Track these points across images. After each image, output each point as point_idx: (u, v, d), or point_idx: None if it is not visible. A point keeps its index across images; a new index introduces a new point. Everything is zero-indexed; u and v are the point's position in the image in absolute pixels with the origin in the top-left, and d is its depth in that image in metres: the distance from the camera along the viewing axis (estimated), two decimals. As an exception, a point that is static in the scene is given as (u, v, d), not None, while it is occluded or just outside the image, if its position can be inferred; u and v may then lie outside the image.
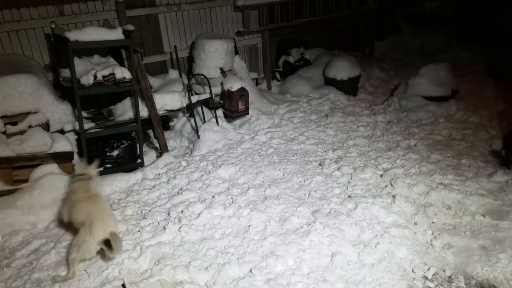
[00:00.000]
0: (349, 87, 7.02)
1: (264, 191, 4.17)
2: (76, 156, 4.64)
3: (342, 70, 7.04)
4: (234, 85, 5.78)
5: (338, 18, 8.61)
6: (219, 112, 5.89)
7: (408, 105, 6.02)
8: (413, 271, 3.02)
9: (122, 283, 2.54)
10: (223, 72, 6.12)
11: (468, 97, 6.33)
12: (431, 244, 3.28)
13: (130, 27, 4.56)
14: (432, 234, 3.38)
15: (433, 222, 3.53)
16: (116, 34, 4.46)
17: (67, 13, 5.48)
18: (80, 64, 4.59)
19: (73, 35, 4.25)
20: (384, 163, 4.53)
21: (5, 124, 4.30)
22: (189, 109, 5.61)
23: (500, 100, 6.18)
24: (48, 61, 5.46)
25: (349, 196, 3.92)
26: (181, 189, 4.28)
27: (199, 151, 5.19)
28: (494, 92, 6.49)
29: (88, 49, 4.89)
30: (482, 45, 8.72)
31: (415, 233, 3.38)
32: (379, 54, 9.23)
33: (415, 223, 3.52)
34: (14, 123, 4.37)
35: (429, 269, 3.00)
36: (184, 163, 4.87)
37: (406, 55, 9.11)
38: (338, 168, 4.49)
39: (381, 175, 4.25)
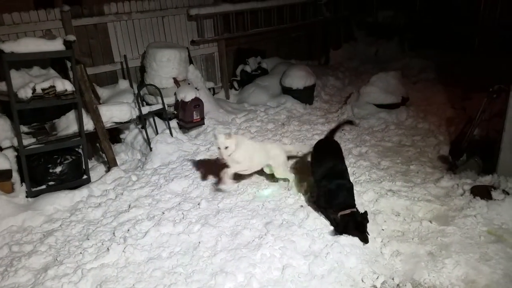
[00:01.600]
0: (305, 96, 7.07)
1: (217, 204, 4.07)
2: (15, 174, 4.34)
3: (298, 79, 7.09)
4: (188, 95, 5.67)
5: (293, 27, 8.70)
6: (173, 123, 5.75)
7: (360, 113, 6.13)
8: (362, 280, 3.00)
9: None
10: (176, 82, 5.99)
11: (418, 104, 6.54)
12: (381, 252, 3.29)
13: (71, 37, 4.36)
14: (382, 241, 3.39)
15: (382, 230, 3.56)
16: (56, 45, 4.24)
17: (7, 23, 5.18)
18: (17, 77, 4.33)
19: (8, 47, 4.01)
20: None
21: None
22: (141, 121, 5.42)
23: (448, 106, 6.44)
24: (-16, 73, 5.12)
25: (301, 206, 3.89)
26: (129, 206, 4.09)
27: (152, 164, 5.02)
28: (443, 98, 6.76)
29: (27, 61, 4.61)
30: (434, 52, 9.08)
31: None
32: (334, 63, 9.40)
33: (365, 231, 3.52)
34: None
35: (378, 277, 3.00)
36: (134, 178, 4.68)
37: (360, 63, 9.35)
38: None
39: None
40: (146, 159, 5.15)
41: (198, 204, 4.05)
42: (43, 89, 4.15)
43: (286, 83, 7.15)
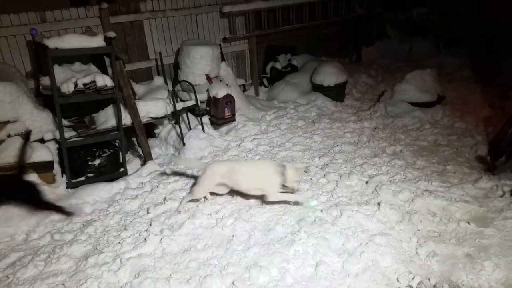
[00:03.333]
0: (336, 93, 7.01)
1: (249, 200, 4.10)
2: (57, 166, 4.53)
3: (329, 76, 7.03)
4: (220, 92, 5.73)
5: (325, 24, 8.62)
6: (205, 119, 5.83)
7: (394, 111, 6.02)
8: (398, 280, 2.97)
9: None
10: (209, 78, 6.07)
11: (454, 103, 6.36)
12: (416, 252, 3.24)
13: (111, 34, 4.50)
14: (417, 242, 3.34)
15: (418, 230, 3.50)
16: (97, 41, 4.39)
17: (49, 20, 5.40)
18: (60, 72, 4.51)
19: (53, 43, 4.18)
20: (369, 169, 4.51)
21: (-18, 134, 4.19)
22: (175, 116, 5.54)
23: (486, 106, 6.23)
24: (29, 68, 5.36)
25: (335, 204, 3.88)
26: (165, 198, 4.20)
27: (185, 158, 5.11)
28: (480, 97, 6.55)
29: (69, 57, 4.81)
30: (469, 51, 8.80)
31: (400, 241, 3.35)
32: (366, 60, 9.25)
33: (400, 231, 3.48)
34: (-9, 133, 4.26)
35: (414, 278, 2.96)
36: (168, 171, 4.79)
37: (393, 61, 9.16)
38: (324, 175, 4.45)
39: (366, 182, 4.22)
40: (179, 153, 5.25)
41: (231, 199, 4.11)
42: (84, 84, 4.31)
43: (317, 80, 7.11)
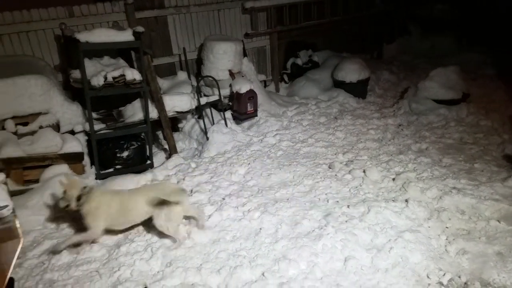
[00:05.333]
0: (358, 90, 6.98)
1: (274, 194, 4.14)
2: (86, 157, 4.64)
3: (351, 72, 6.99)
4: (243, 87, 5.77)
5: (346, 20, 8.58)
6: (228, 114, 5.88)
7: (418, 108, 5.97)
8: (428, 276, 2.97)
9: (144, 286, 2.50)
10: (231, 74, 6.11)
11: (479, 101, 6.27)
12: (446, 250, 3.23)
13: (140, 28, 4.56)
14: (446, 239, 3.33)
15: (446, 227, 3.48)
16: (126, 36, 4.46)
17: (77, 15, 5.50)
18: (90, 65, 4.60)
19: (84, 37, 4.26)
20: (395, 166, 4.49)
21: (16, 125, 4.30)
22: (198, 111, 5.59)
23: (511, 103, 6.12)
24: (57, 62, 5.47)
25: (362, 200, 3.88)
26: (191, 190, 4.26)
27: (208, 152, 5.17)
28: (505, 95, 6.45)
29: (98, 50, 4.89)
30: (492, 48, 8.65)
31: (429, 238, 3.34)
32: (387, 57, 9.18)
33: (429, 228, 3.47)
34: (25, 124, 4.38)
35: (444, 274, 2.96)
36: (193, 165, 4.85)
37: (415, 58, 9.07)
38: (349, 171, 4.45)
39: (393, 179, 4.21)
40: (203, 147, 5.31)
41: (256, 192, 4.15)
42: (114, 78, 4.39)
43: (339, 76, 7.08)
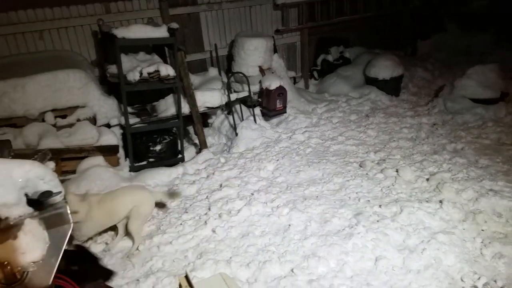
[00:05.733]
0: (391, 87, 6.83)
1: (303, 191, 4.13)
2: (121, 150, 4.78)
3: (384, 69, 6.86)
4: (272, 84, 5.77)
5: (380, 16, 8.40)
6: (257, 110, 5.90)
7: (454, 107, 5.78)
8: (462, 279, 2.89)
9: (185, 275, 2.57)
10: (261, 70, 6.12)
11: (519, 100, 6.00)
12: (481, 253, 3.13)
13: (174, 25, 4.64)
14: (482, 242, 3.22)
15: (482, 230, 3.37)
16: (161, 32, 4.55)
17: (113, 11, 5.65)
18: (126, 61, 4.72)
19: (120, 33, 4.37)
20: (429, 166, 4.37)
21: (55, 117, 4.49)
22: (228, 107, 5.64)
23: (553, 104, 5.83)
24: (94, 57, 5.65)
25: (394, 200, 3.81)
26: (221, 185, 4.31)
27: (237, 148, 5.21)
28: (547, 95, 6.12)
29: (134, 46, 5.01)
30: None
31: (464, 241, 3.24)
32: (422, 54, 8.93)
33: (464, 230, 3.37)
34: (63, 117, 4.55)
35: (479, 278, 2.87)
36: (222, 160, 4.91)
37: (450, 55, 8.76)
38: (381, 170, 4.38)
39: (427, 179, 4.11)
40: (231, 143, 5.36)
41: (285, 189, 4.16)
42: (148, 73, 4.49)
43: (371, 73, 6.95)
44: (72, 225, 1.38)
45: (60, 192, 1.43)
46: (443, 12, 9.70)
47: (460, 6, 9.90)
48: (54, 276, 1.42)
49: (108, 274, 2.97)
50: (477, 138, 5.02)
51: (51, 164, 1.91)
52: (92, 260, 3.10)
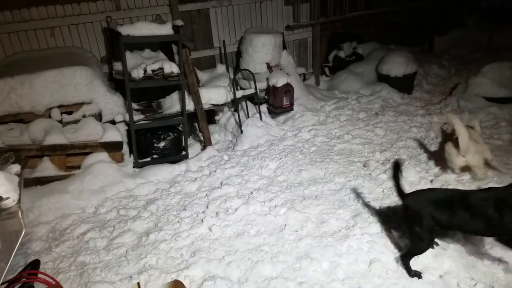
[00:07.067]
0: (403, 85, 6.66)
1: (303, 190, 4.09)
2: (125, 146, 4.85)
3: (397, 66, 6.69)
4: (279, 81, 5.72)
5: (395, 11, 8.19)
6: (263, 108, 5.87)
7: (467, 106, 5.58)
8: (458, 285, 2.79)
9: (137, 281, 2.60)
10: (269, 67, 6.08)
11: (536, 100, 5.74)
12: (480, 258, 3.02)
13: (179, 22, 4.66)
14: (483, 247, 3.10)
15: (484, 235, 3.24)
16: (166, 29, 4.57)
17: (123, 8, 5.71)
18: (131, 58, 4.77)
19: (125, 30, 4.42)
20: (435, 167, 4.25)
21: (61, 113, 4.59)
22: (234, 104, 5.63)
23: None
24: (104, 54, 5.74)
25: (394, 202, 3.71)
26: (221, 183, 4.32)
27: (242, 146, 5.21)
28: None
29: (140, 43, 5.06)
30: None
31: (462, 245, 3.13)
32: (439, 50, 8.64)
33: (463, 235, 3.24)
34: (69, 113, 4.66)
35: (475, 284, 2.77)
36: (226, 157, 4.91)
37: (470, 51, 8.43)
38: (385, 170, 4.28)
39: (431, 181, 3.99)
40: (236, 140, 5.35)
41: (285, 188, 4.13)
42: (153, 70, 4.53)
43: (383, 70, 6.80)
44: (24, 230, 1.39)
45: (8, 198, 1.43)
46: (463, 7, 9.36)
47: (483, 1, 9.52)
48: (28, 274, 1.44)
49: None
50: (489, 139, 4.83)
51: (15, 167, 1.92)
52: None
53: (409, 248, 2.95)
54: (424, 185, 3.95)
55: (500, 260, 2.94)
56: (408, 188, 3.86)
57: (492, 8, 9.38)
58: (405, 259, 2.93)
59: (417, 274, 2.87)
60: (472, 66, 7.19)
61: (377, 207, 3.66)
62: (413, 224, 2.84)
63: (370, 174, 4.30)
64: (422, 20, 8.75)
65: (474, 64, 7.34)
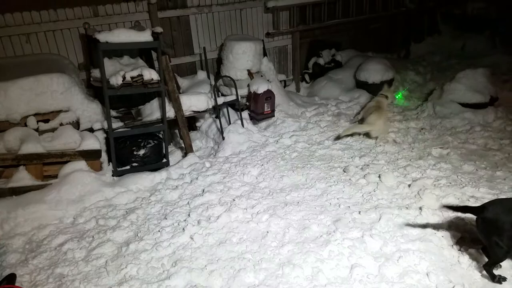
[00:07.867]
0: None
1: (285, 197, 4.11)
2: (104, 154, 4.76)
3: (375, 73, 6.84)
4: (260, 87, 5.75)
5: (373, 19, 8.37)
6: (245, 114, 5.88)
7: (442, 112, 5.74)
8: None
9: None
10: (250, 74, 6.11)
11: (508, 105, 5.93)
12: (458, 261, 3.10)
13: (158, 29, 4.63)
14: (460, 250, 3.19)
15: (461, 237, 3.33)
16: (145, 36, 4.53)
17: (101, 14, 5.64)
18: (110, 65, 4.71)
19: (103, 37, 4.35)
20: (413, 172, 4.34)
21: (37, 122, 4.47)
22: (215, 111, 5.63)
23: (544, 109, 5.78)
24: (82, 60, 5.64)
25: (374, 206, 3.78)
26: (203, 190, 4.29)
27: (223, 152, 5.19)
28: (538, 100, 6.08)
29: (118, 50, 5.00)
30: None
31: (441, 248, 3.21)
32: (415, 57, 8.89)
33: (442, 238, 3.33)
34: (46, 121, 4.54)
35: (453, 287, 2.84)
36: (207, 164, 4.89)
37: (444, 58, 8.72)
38: (364, 176, 4.35)
39: (409, 185, 4.08)
40: (218, 147, 5.34)
41: (267, 195, 4.14)
42: (132, 77, 4.48)
43: (361, 76, 6.93)
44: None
45: None
46: (437, 15, 9.66)
47: (456, 7, 9.85)
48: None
49: None
50: (464, 143, 4.98)
51: None
52: None
53: (490, 258, 2.93)
54: (402, 190, 4.04)
55: (478, 263, 3.02)
56: (386, 192, 3.99)
57: (465, 16, 9.72)
58: (487, 268, 2.93)
59: (500, 280, 2.88)
60: (447, 73, 7.44)
61: (357, 212, 3.71)
62: (493, 234, 2.84)
63: (350, 179, 4.36)
64: (399, 28, 8.97)
65: (449, 70, 7.60)
